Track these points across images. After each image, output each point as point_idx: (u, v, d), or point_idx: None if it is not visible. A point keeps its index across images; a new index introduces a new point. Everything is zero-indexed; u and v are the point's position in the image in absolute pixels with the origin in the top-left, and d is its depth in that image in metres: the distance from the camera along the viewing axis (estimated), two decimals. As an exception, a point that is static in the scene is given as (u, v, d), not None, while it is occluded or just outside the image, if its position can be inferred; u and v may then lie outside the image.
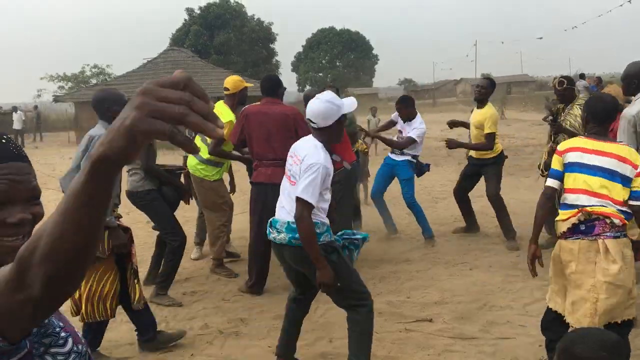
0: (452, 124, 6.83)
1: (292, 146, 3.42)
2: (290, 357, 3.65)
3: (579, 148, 3.29)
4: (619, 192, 3.16)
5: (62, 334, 1.16)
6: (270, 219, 3.42)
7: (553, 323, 3.37)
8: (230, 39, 48.10)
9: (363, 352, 3.27)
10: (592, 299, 3.09)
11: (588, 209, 3.12)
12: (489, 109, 6.36)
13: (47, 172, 14.55)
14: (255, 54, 50.33)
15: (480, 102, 6.40)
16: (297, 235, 3.13)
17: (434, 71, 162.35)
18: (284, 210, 3.31)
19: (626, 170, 3.16)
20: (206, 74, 24.60)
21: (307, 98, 6.07)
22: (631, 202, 3.15)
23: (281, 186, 3.44)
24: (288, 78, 71.42)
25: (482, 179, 6.55)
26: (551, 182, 3.39)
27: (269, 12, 60.24)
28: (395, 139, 6.73)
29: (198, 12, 50.07)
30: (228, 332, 4.29)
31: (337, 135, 3.28)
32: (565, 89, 5.63)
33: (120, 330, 4.38)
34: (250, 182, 5.18)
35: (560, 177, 3.34)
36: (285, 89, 5.31)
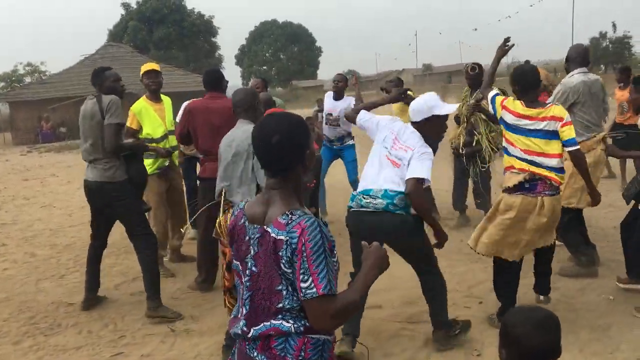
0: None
1: (398, 134, 3.60)
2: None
3: (516, 113, 3.74)
4: (556, 147, 3.66)
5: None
6: (359, 190, 3.56)
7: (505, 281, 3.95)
8: (170, 34, 47.20)
9: (444, 310, 3.71)
10: (522, 238, 3.76)
11: (534, 169, 3.64)
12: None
13: (-19, 175, 13.94)
14: (196, 48, 49.59)
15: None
16: (395, 202, 3.42)
17: (377, 62, 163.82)
18: (381, 180, 3.48)
19: (557, 125, 3.65)
20: (147, 70, 24.04)
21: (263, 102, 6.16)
22: (566, 149, 3.67)
23: (375, 161, 3.60)
24: (232, 72, 70.72)
25: None
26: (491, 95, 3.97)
27: (210, 5, 59.21)
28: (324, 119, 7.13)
29: (135, 6, 48.85)
30: (179, 330, 4.26)
31: (428, 131, 3.60)
32: (476, 74, 6.13)
33: (67, 334, 4.29)
34: (198, 178, 5.13)
35: (495, 109, 3.88)
36: (227, 82, 5.28)
